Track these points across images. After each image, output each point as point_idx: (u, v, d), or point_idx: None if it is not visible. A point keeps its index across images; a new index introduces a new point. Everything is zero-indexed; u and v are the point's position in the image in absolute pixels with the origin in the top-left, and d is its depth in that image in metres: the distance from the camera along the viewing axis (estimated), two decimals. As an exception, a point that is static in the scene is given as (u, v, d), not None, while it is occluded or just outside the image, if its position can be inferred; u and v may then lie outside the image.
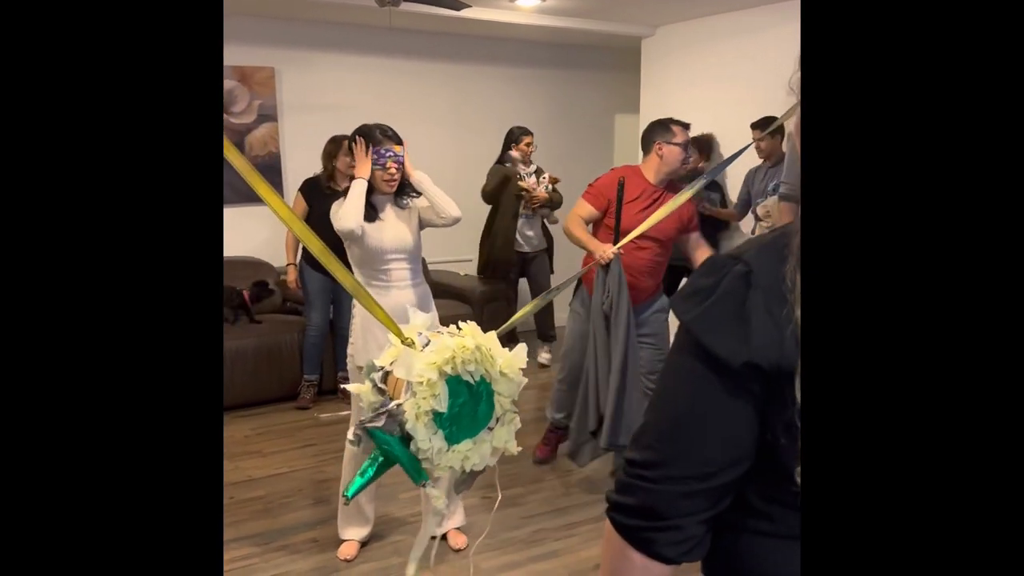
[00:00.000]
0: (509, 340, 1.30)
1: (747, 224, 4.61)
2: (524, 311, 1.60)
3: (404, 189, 2.63)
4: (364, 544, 2.77)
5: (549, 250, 5.03)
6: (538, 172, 4.82)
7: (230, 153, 1.07)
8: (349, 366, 2.64)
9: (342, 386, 3.74)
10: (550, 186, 4.82)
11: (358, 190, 2.50)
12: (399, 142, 2.56)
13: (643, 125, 3.33)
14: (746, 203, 4.49)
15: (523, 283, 5.10)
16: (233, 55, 4.55)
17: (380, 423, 1.32)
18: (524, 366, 1.36)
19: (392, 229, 2.58)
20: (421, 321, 1.39)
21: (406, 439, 1.32)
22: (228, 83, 4.61)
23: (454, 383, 1.30)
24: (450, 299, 4.79)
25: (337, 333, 4.29)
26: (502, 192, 4.71)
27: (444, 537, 2.77)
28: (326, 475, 3.41)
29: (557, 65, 5.86)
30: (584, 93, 6.02)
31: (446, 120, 5.46)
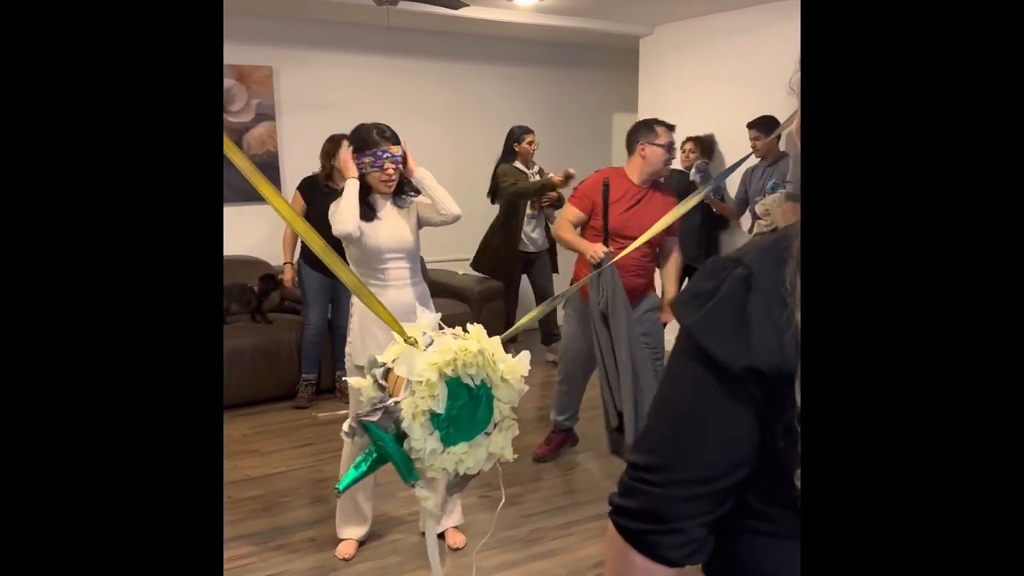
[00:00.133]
0: (510, 342, 1.30)
1: (746, 222, 4.63)
2: (529, 317, 1.60)
3: (403, 188, 2.63)
4: (362, 543, 2.77)
5: (552, 250, 5.03)
6: (540, 172, 4.82)
7: (232, 152, 1.07)
8: (347, 365, 2.64)
9: (342, 378, 3.73)
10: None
11: (351, 191, 2.49)
12: (396, 142, 2.54)
13: (641, 124, 3.34)
14: (744, 202, 4.52)
15: (523, 283, 5.10)
16: (231, 54, 4.54)
17: (376, 418, 1.32)
18: (527, 373, 1.36)
19: (390, 228, 2.57)
20: (427, 321, 1.39)
21: (401, 437, 1.32)
22: (226, 82, 4.60)
23: (454, 385, 1.30)
24: (448, 298, 4.80)
25: (335, 332, 4.28)
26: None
27: (442, 536, 2.78)
28: (324, 474, 3.41)
29: (555, 64, 5.86)
30: (582, 92, 6.01)
31: (444, 119, 5.46)
